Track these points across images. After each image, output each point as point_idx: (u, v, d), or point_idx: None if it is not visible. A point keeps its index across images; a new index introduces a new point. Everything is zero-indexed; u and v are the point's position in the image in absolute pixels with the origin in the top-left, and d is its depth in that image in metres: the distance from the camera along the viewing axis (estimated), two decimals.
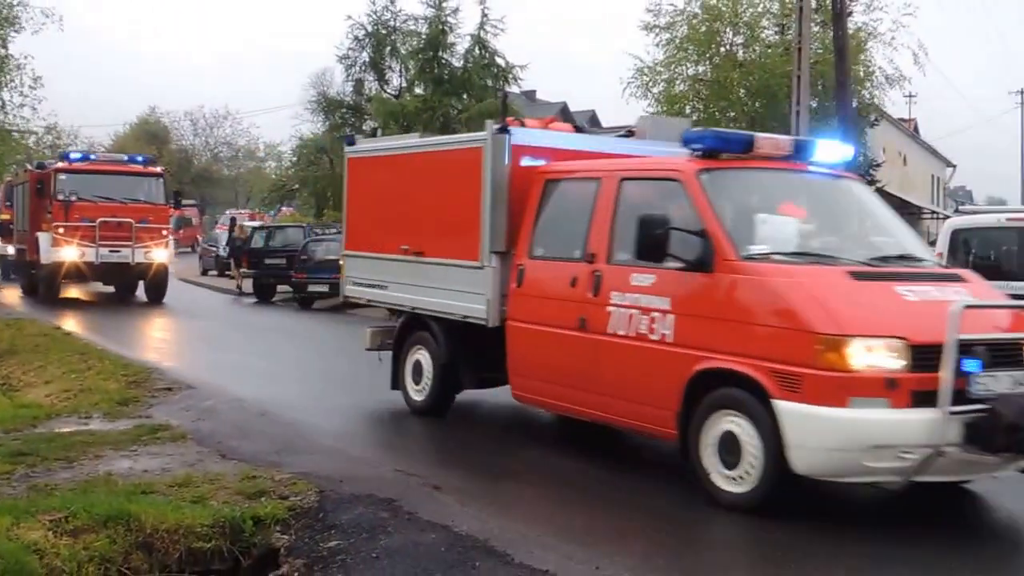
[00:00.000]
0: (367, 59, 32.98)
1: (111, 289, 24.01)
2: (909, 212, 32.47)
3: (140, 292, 23.06)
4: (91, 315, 19.98)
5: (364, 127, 35.02)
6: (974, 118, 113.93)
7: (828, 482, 6.07)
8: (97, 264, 20.84)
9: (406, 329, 9.44)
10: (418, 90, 29.85)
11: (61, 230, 20.43)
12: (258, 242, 25.02)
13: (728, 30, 20.71)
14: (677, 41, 20.68)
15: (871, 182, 22.93)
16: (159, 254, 21.42)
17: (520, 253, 7.99)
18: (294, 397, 10.32)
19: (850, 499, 6.76)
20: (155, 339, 17.06)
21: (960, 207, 18.81)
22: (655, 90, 21.11)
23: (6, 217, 27.53)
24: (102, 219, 20.62)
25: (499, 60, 28.84)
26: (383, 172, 9.93)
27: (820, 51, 19.48)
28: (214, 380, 11.18)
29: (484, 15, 28.56)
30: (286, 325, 19.31)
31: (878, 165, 24.57)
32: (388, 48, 32.76)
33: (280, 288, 23.65)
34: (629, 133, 9.60)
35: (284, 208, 43.74)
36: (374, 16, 32.45)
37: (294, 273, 22.13)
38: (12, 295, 24.56)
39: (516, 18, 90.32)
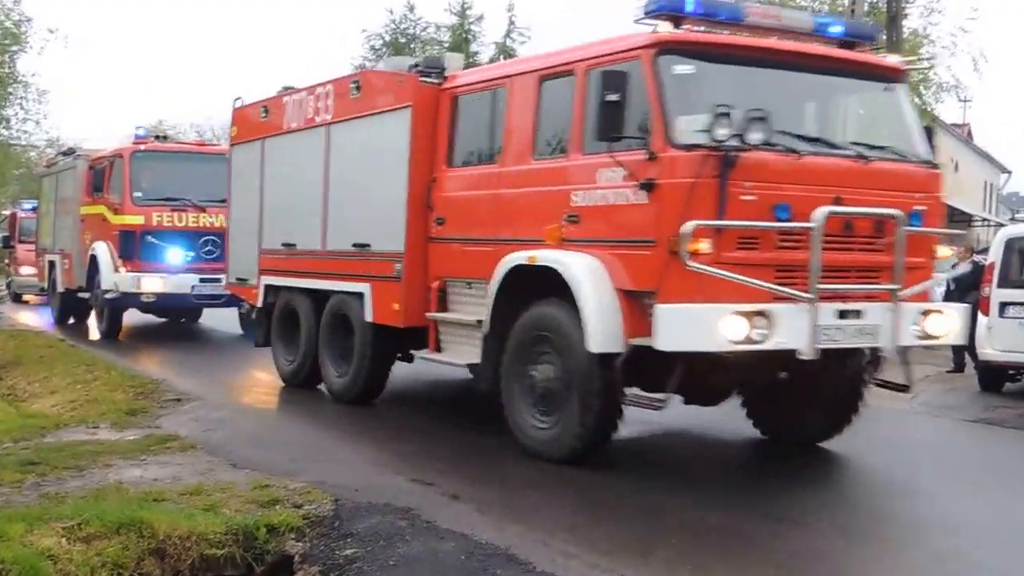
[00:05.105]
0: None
1: None
2: (959, 220, 32.33)
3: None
4: None
5: None
6: None
7: None
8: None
9: None
10: None
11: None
12: None
13: None
14: None
15: None
16: (945, 323, 7.87)
17: None
18: (308, 404, 10.51)
19: None
20: None
21: (1016, 215, 18.76)
22: None
23: (138, 222, 16.11)
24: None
25: None
26: None
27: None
28: (223, 391, 11.44)
29: (511, 22, 28.82)
30: None
31: None
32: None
33: None
34: None
35: None
36: (392, 25, 32.68)
37: None
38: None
39: (541, 25, 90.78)
